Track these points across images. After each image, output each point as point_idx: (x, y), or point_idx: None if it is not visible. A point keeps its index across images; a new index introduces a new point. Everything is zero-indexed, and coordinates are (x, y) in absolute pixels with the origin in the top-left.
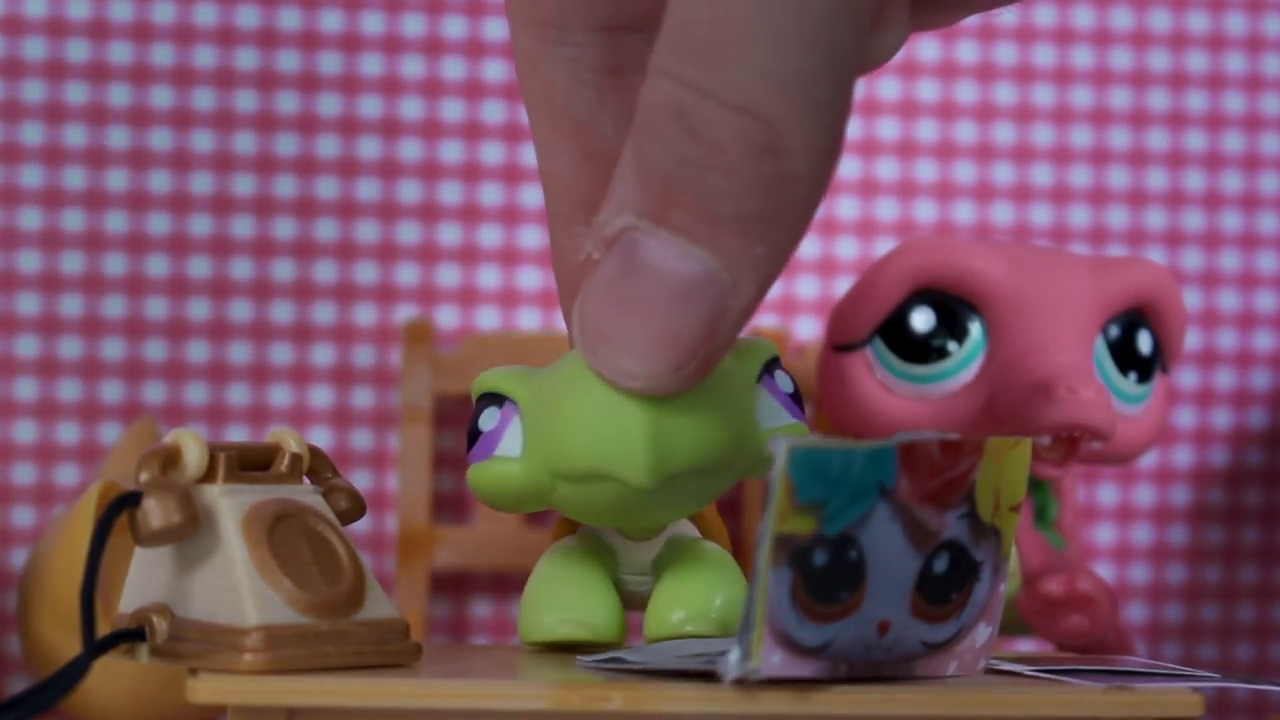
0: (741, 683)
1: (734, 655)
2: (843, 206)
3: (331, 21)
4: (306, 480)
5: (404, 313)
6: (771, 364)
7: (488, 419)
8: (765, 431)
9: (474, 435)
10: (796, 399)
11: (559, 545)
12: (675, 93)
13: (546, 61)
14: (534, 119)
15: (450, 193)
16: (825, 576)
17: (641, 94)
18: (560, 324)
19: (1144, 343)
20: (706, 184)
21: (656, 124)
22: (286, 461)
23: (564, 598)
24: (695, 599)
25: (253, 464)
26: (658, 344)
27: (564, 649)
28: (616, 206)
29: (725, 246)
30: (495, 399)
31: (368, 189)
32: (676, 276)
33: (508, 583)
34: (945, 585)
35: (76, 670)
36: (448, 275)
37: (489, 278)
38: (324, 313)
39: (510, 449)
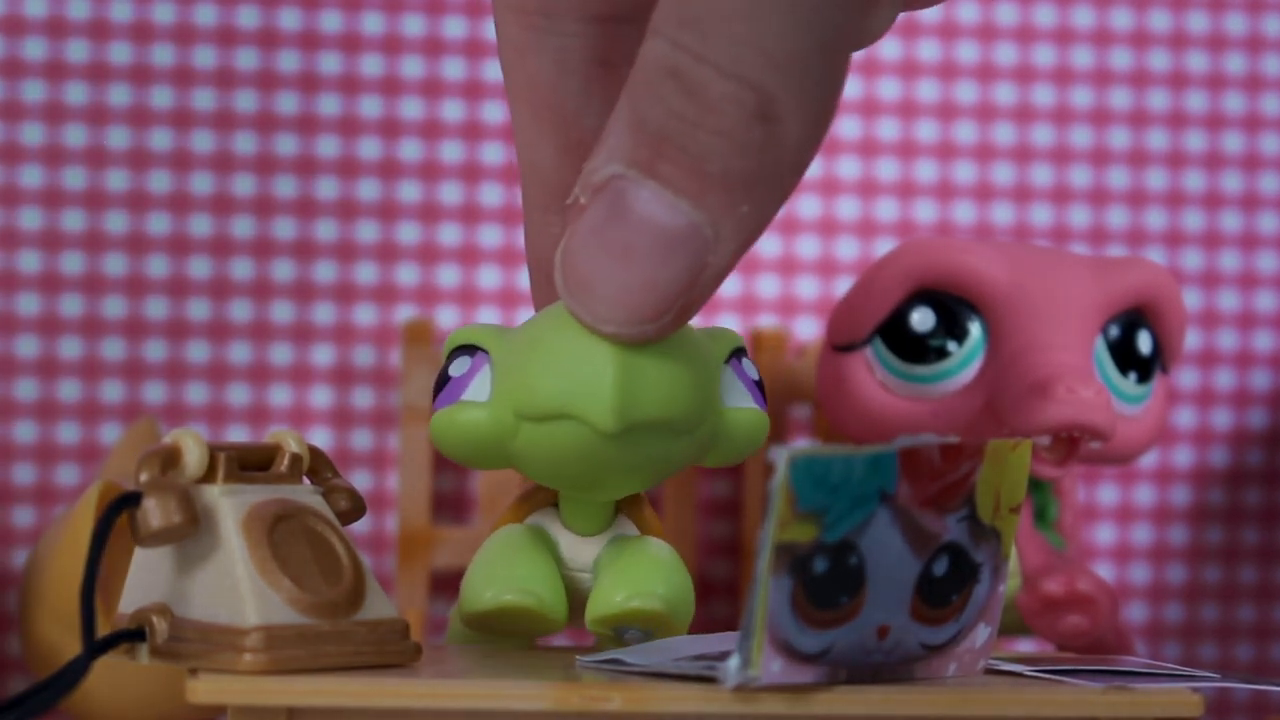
0: (742, 688)
1: (734, 662)
2: (843, 206)
3: (331, 21)
4: (306, 480)
5: (404, 313)
6: (739, 351)
7: (458, 366)
8: (728, 409)
9: (442, 382)
10: (760, 388)
11: (502, 530)
12: (671, 54)
13: (534, 50)
14: (516, 108)
15: (450, 193)
16: (825, 583)
17: (640, 51)
18: None
19: (1144, 343)
20: (696, 141)
21: (652, 79)
22: (286, 462)
23: (509, 570)
24: (638, 580)
25: (253, 464)
26: (636, 292)
27: (506, 629)
28: (606, 155)
29: (710, 202)
30: (468, 350)
31: (368, 189)
32: (661, 226)
33: None
34: (945, 588)
35: (76, 670)
36: (448, 275)
37: (489, 278)
38: (324, 313)
39: (478, 394)
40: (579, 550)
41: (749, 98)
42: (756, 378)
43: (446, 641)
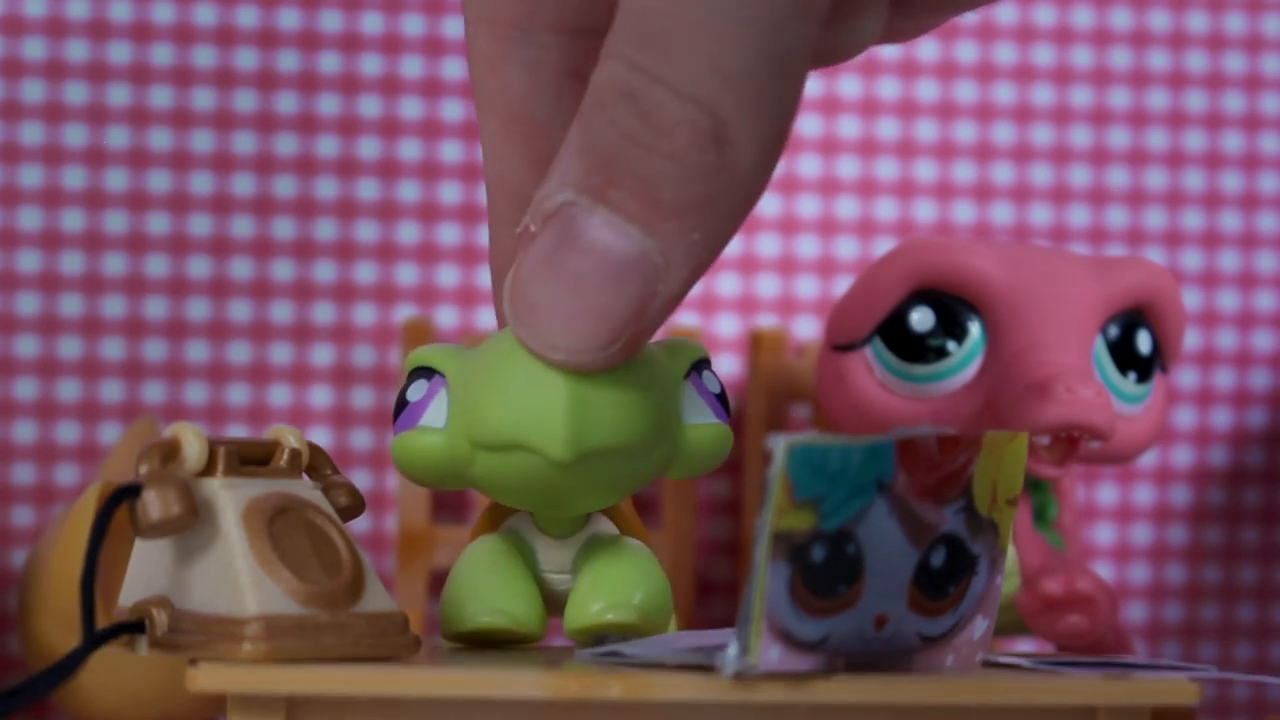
0: (741, 676)
1: (732, 650)
2: (842, 206)
3: (331, 21)
4: (306, 477)
5: (404, 313)
6: (700, 363)
7: (415, 390)
8: (688, 426)
9: (400, 406)
10: (723, 401)
11: (479, 541)
12: (627, 76)
13: (507, 62)
14: (485, 120)
15: (449, 193)
16: (823, 571)
17: (593, 76)
18: None
19: (1143, 342)
20: (650, 166)
21: (605, 103)
22: (286, 457)
23: (484, 589)
24: (615, 589)
25: (252, 459)
26: (586, 319)
27: (485, 644)
28: (557, 182)
29: (662, 229)
30: (425, 373)
31: (367, 189)
32: (611, 254)
33: None
34: (942, 579)
35: (75, 659)
36: (447, 275)
37: (488, 277)
38: (324, 313)
39: (435, 420)
40: (555, 554)
41: (703, 120)
42: (718, 390)
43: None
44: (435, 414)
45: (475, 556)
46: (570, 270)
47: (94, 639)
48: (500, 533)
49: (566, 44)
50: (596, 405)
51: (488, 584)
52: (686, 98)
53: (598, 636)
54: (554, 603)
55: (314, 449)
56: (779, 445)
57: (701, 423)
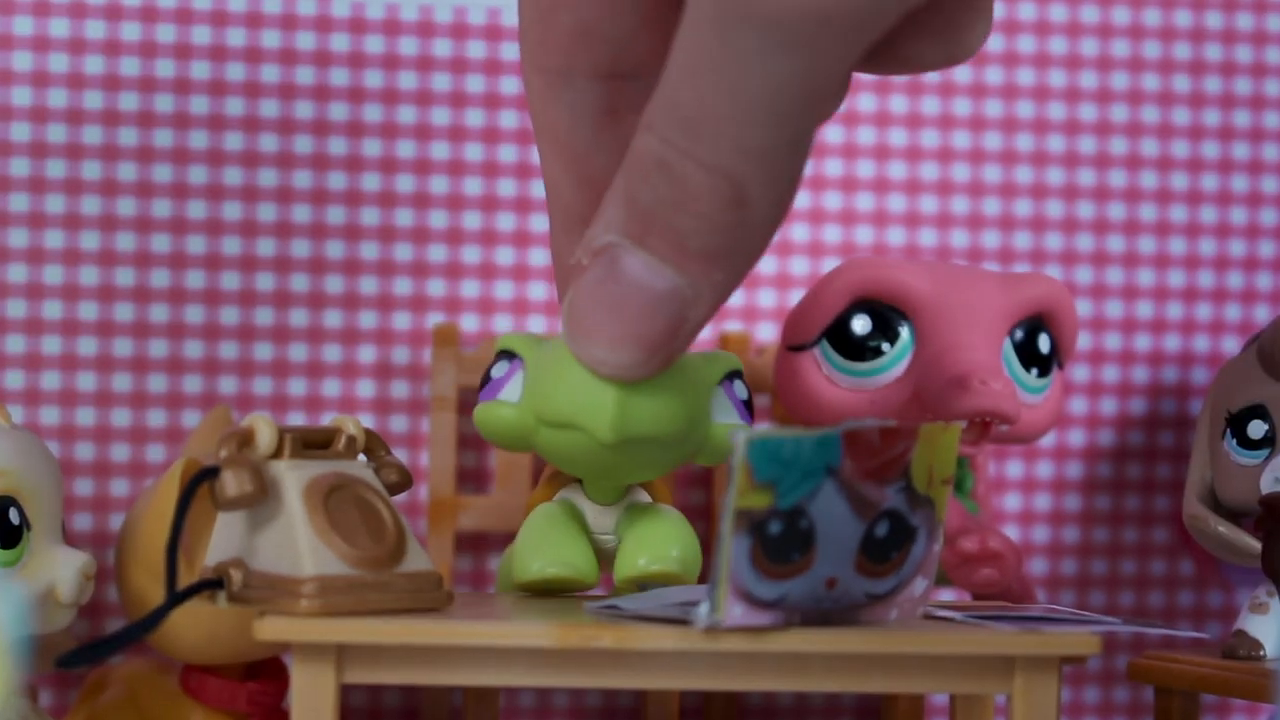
0: (711, 630)
1: (703, 608)
2: (795, 232)
3: (374, 78)
4: (363, 457)
5: (434, 319)
6: (734, 374)
7: (499, 369)
8: (716, 424)
9: (486, 379)
10: (748, 406)
11: (540, 509)
12: (661, 149)
13: (554, 102)
14: (541, 148)
15: (472, 220)
16: (779, 542)
17: (634, 142)
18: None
19: (1044, 344)
20: (680, 222)
21: (645, 169)
22: (344, 441)
23: (549, 546)
24: (656, 545)
25: (315, 444)
26: (627, 341)
27: (549, 591)
28: (604, 226)
29: (690, 270)
30: (509, 355)
31: (403, 217)
32: (649, 288)
33: None
34: (886, 546)
35: (161, 613)
36: (470, 288)
37: (504, 290)
38: (368, 319)
39: (511, 395)
40: (602, 517)
41: (726, 188)
42: (745, 398)
43: (497, 590)
44: (512, 390)
45: (538, 520)
46: (614, 300)
47: (177, 595)
48: (557, 500)
49: (601, 88)
50: (638, 402)
51: (552, 541)
52: (713, 169)
53: (642, 584)
54: (601, 558)
55: (370, 434)
56: (740, 438)
57: (727, 423)
